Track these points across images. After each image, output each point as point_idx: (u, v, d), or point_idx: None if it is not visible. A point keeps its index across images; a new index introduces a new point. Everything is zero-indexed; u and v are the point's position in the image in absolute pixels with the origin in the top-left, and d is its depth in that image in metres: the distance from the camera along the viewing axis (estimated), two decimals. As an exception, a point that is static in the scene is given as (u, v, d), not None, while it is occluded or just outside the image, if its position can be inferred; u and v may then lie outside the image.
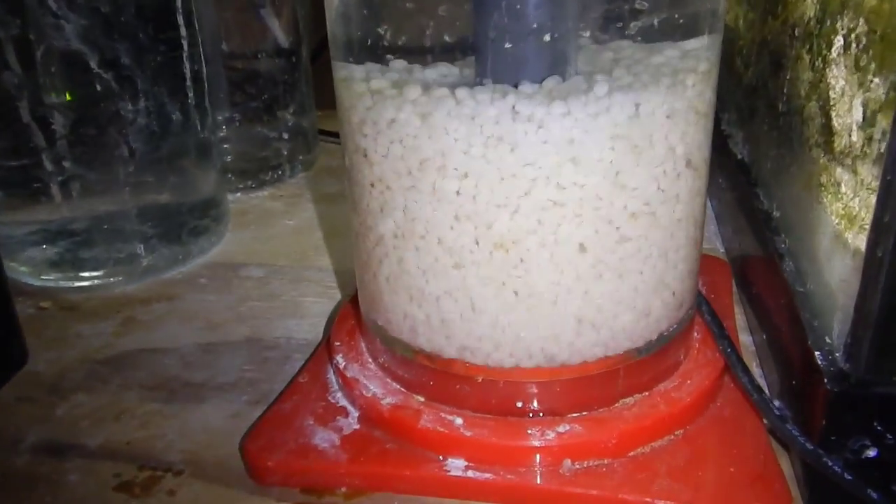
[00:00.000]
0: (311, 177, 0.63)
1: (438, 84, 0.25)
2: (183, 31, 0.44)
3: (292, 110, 0.62)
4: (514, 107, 0.23)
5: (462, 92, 0.23)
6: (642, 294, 0.26)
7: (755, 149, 0.41)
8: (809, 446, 0.24)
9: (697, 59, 0.26)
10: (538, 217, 0.24)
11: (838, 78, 0.28)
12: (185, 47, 0.44)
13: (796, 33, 0.33)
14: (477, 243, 0.25)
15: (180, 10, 0.43)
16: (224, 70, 0.59)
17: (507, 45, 0.22)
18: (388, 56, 0.25)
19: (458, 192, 0.24)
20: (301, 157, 0.63)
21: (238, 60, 0.61)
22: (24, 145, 0.40)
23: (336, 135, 0.69)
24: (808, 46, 0.32)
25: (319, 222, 0.53)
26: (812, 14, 0.31)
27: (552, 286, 0.25)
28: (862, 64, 0.26)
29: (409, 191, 0.25)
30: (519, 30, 0.22)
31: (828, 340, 0.26)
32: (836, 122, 0.28)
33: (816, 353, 0.25)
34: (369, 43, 0.26)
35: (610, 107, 0.23)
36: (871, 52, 0.26)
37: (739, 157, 0.44)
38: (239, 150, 0.60)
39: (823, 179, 0.28)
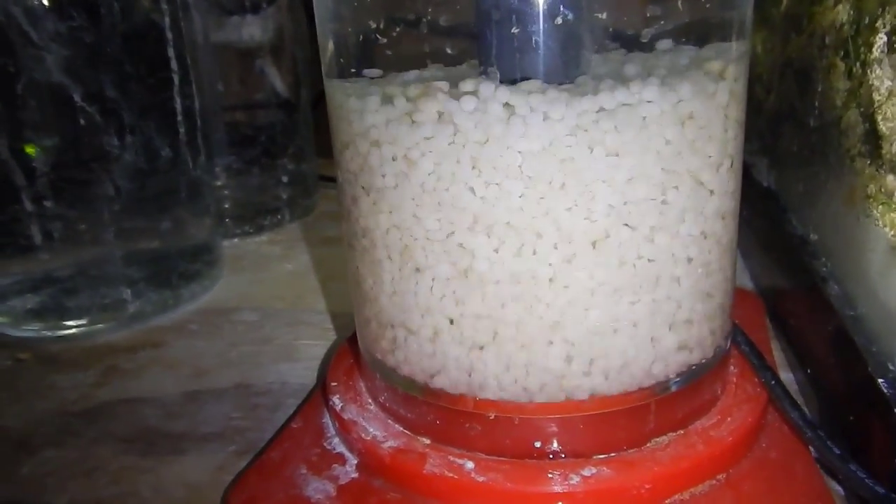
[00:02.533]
0: (311, 222, 0.60)
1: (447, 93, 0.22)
2: (174, 65, 0.42)
3: (291, 157, 0.60)
4: (545, 113, 0.20)
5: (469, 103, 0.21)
6: (674, 319, 0.23)
7: (782, 174, 0.39)
8: (881, 490, 0.21)
9: (725, 62, 0.23)
10: (564, 238, 0.21)
11: (883, 79, 0.25)
12: (176, 82, 0.42)
13: (826, 43, 0.31)
14: (492, 266, 0.22)
15: (171, 43, 0.41)
16: (222, 117, 0.58)
17: (514, 30, 0.20)
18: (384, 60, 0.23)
19: (470, 213, 0.22)
20: (301, 203, 0.61)
21: (237, 108, 0.60)
22: (4, 191, 0.38)
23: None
24: (841, 54, 0.29)
25: (318, 266, 0.50)
26: (845, 19, 0.29)
27: (574, 311, 0.22)
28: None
29: (411, 213, 0.23)
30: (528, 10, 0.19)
31: (891, 367, 0.23)
32: (883, 127, 0.25)
33: (880, 380, 0.22)
34: (363, 49, 0.24)
35: (646, 109, 0.21)
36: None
37: (765, 184, 0.41)
38: (237, 196, 0.58)
39: (871, 190, 0.26)
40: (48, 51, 0.36)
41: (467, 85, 0.21)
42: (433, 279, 0.23)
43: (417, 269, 0.23)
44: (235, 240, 0.56)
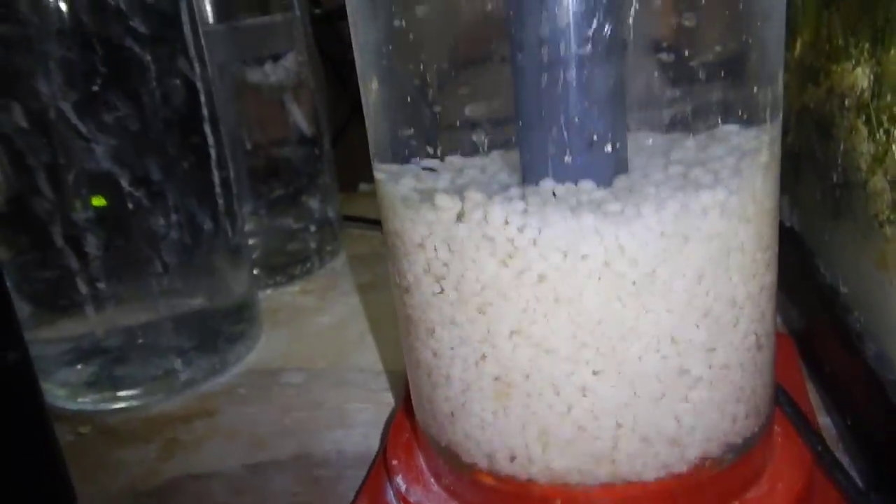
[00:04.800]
0: (340, 267, 0.62)
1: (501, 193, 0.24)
2: (210, 140, 0.43)
3: (317, 198, 0.62)
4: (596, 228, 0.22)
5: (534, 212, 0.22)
6: (729, 397, 0.25)
7: (806, 216, 0.40)
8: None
9: (758, 150, 0.25)
10: (618, 331, 0.23)
11: (907, 153, 0.27)
12: (214, 155, 0.43)
13: (846, 104, 0.32)
14: (558, 359, 0.24)
15: (207, 119, 0.43)
16: (246, 162, 0.59)
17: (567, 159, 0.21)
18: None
19: (541, 312, 0.23)
20: (328, 248, 0.62)
21: (260, 151, 0.61)
22: (55, 262, 0.40)
23: (361, 220, 0.69)
24: (863, 118, 0.31)
25: (353, 318, 0.52)
26: (865, 85, 0.30)
27: (634, 398, 0.24)
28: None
29: (476, 310, 0.24)
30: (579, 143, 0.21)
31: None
32: (909, 199, 0.26)
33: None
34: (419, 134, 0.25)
35: (698, 209, 0.22)
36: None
37: (788, 224, 0.42)
38: (266, 244, 0.60)
39: (902, 259, 0.27)
40: (97, 142, 0.38)
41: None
42: (495, 367, 0.24)
43: (479, 360, 0.25)
44: (269, 291, 0.58)
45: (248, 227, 0.59)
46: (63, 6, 0.35)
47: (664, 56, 0.25)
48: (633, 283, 0.22)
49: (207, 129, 0.43)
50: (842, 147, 0.33)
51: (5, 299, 0.25)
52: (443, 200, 0.24)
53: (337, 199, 0.65)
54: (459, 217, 0.23)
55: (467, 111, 0.26)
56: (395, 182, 0.26)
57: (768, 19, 0.26)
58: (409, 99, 0.26)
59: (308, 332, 0.50)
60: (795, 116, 0.41)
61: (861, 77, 0.31)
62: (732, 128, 0.26)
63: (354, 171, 0.81)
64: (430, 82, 0.25)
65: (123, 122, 0.38)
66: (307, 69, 0.61)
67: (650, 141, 0.26)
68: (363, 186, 0.82)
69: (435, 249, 0.24)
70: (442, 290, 0.25)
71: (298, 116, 0.61)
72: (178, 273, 0.42)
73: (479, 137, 0.26)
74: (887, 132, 0.28)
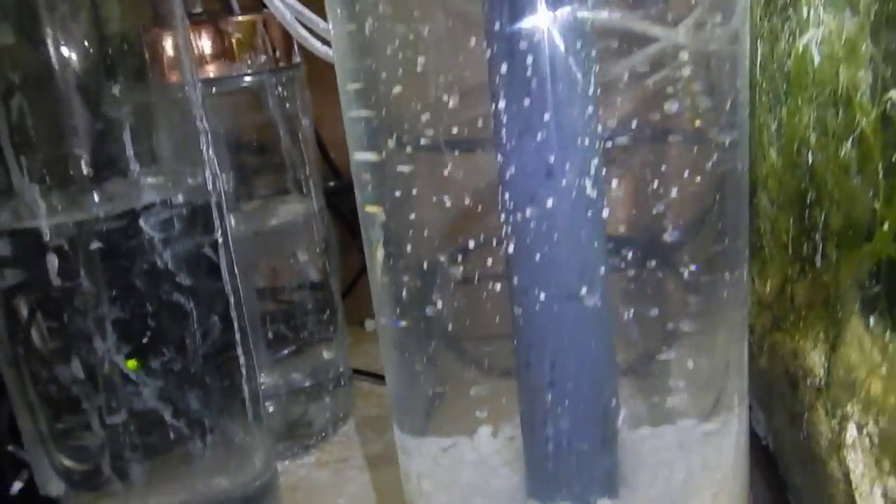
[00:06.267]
0: (351, 433, 0.66)
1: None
2: (242, 359, 0.48)
3: (332, 352, 0.66)
4: None
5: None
6: None
7: (780, 444, 0.44)
8: None
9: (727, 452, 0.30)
10: None
11: (857, 462, 0.31)
12: (244, 372, 0.48)
13: (808, 383, 0.37)
14: None
15: (239, 342, 0.47)
16: (258, 320, 0.64)
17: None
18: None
19: None
20: (341, 414, 0.66)
21: (271, 307, 0.66)
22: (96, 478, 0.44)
23: (370, 374, 0.73)
24: (821, 400, 0.35)
25: (368, 499, 0.56)
26: (821, 374, 0.35)
27: None
28: (881, 463, 0.29)
29: None
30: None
31: None
32: (860, 503, 0.31)
33: None
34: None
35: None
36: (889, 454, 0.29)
37: (764, 443, 0.47)
38: (284, 412, 0.63)
39: (856, 553, 0.31)
40: (144, 385, 0.42)
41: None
42: None
43: None
44: (286, 462, 0.61)
45: (262, 385, 0.63)
46: (120, 276, 0.40)
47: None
48: None
49: (239, 350, 0.47)
50: (805, 416, 0.37)
51: None
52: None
53: (346, 352, 0.69)
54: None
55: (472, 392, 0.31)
56: (412, 460, 0.30)
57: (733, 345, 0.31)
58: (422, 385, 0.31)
59: (325, 517, 0.54)
60: (769, 344, 0.46)
61: (817, 364, 0.36)
62: (702, 427, 0.31)
63: (360, 308, 0.85)
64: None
65: (168, 365, 0.43)
66: (322, 234, 0.66)
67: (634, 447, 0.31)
68: (369, 323, 0.86)
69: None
70: None
71: (311, 273, 0.66)
72: (208, 472, 0.46)
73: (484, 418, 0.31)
74: (840, 425, 0.33)
